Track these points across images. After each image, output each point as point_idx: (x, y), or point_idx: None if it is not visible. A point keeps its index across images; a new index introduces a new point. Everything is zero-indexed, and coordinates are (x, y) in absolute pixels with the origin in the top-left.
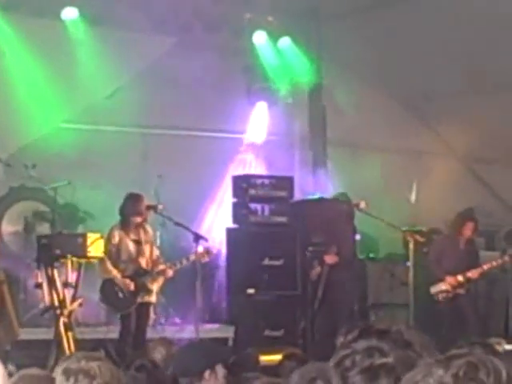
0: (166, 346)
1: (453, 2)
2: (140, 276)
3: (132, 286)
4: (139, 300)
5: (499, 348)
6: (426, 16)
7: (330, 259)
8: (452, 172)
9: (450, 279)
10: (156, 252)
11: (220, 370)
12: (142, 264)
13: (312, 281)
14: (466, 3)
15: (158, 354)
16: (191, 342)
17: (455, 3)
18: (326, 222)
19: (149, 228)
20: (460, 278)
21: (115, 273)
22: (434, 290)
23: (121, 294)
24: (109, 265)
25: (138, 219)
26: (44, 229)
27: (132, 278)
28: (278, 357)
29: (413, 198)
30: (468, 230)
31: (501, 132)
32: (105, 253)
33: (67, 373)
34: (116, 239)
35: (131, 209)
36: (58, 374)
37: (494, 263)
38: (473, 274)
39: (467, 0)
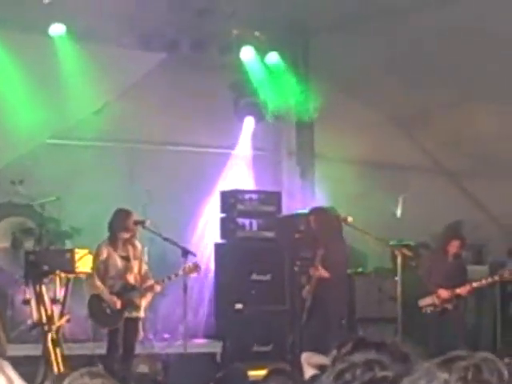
0: (150, 362)
1: (440, 17)
2: (128, 292)
3: (118, 304)
4: (127, 315)
5: None
6: (414, 30)
7: (314, 272)
8: (438, 186)
9: (442, 292)
10: (144, 267)
11: None
12: (130, 280)
13: (303, 298)
14: (453, 18)
15: (142, 371)
16: (178, 359)
17: (443, 18)
18: (314, 236)
19: (138, 244)
20: (450, 293)
21: (103, 288)
22: (422, 303)
23: (108, 310)
24: (97, 281)
25: (126, 235)
26: (32, 245)
27: (119, 295)
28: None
29: (399, 212)
30: (453, 248)
31: (487, 146)
32: (93, 269)
33: None
34: (104, 255)
35: (119, 225)
36: None
37: (484, 281)
38: (462, 290)
39: (453, 15)
